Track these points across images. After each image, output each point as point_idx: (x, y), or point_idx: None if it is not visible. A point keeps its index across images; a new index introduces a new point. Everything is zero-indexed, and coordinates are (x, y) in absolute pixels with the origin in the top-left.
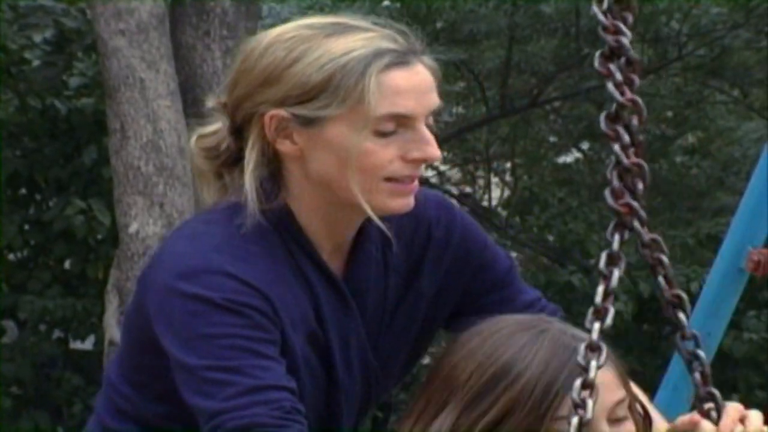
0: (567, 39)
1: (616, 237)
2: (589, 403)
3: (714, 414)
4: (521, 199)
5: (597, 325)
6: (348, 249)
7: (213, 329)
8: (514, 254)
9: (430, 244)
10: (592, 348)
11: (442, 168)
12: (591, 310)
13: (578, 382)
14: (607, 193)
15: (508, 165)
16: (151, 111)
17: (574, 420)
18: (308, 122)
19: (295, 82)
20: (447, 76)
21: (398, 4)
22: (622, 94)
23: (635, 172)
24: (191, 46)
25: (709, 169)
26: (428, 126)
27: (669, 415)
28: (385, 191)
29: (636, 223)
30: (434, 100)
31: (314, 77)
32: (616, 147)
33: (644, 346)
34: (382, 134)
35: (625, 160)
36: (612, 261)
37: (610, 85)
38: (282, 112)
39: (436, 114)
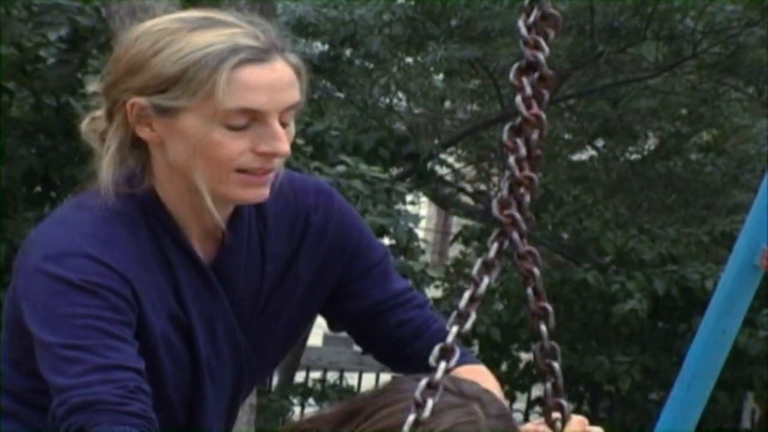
0: (582, 37)
1: (495, 246)
2: (429, 402)
3: (559, 425)
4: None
5: (455, 329)
6: (222, 235)
7: (70, 309)
8: None
9: (309, 229)
10: (445, 350)
11: (457, 165)
12: (454, 313)
13: (424, 382)
14: (494, 202)
15: None
16: None
17: (411, 417)
18: (164, 111)
19: (154, 73)
20: (462, 73)
21: (413, 2)
22: (529, 108)
23: (525, 185)
24: None
25: (723, 167)
26: (284, 123)
27: (684, 412)
28: (236, 182)
29: (515, 235)
30: (290, 97)
31: (171, 69)
32: (512, 159)
33: (659, 344)
34: (233, 127)
35: (517, 173)
36: (486, 268)
37: (518, 99)
38: (142, 101)
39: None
